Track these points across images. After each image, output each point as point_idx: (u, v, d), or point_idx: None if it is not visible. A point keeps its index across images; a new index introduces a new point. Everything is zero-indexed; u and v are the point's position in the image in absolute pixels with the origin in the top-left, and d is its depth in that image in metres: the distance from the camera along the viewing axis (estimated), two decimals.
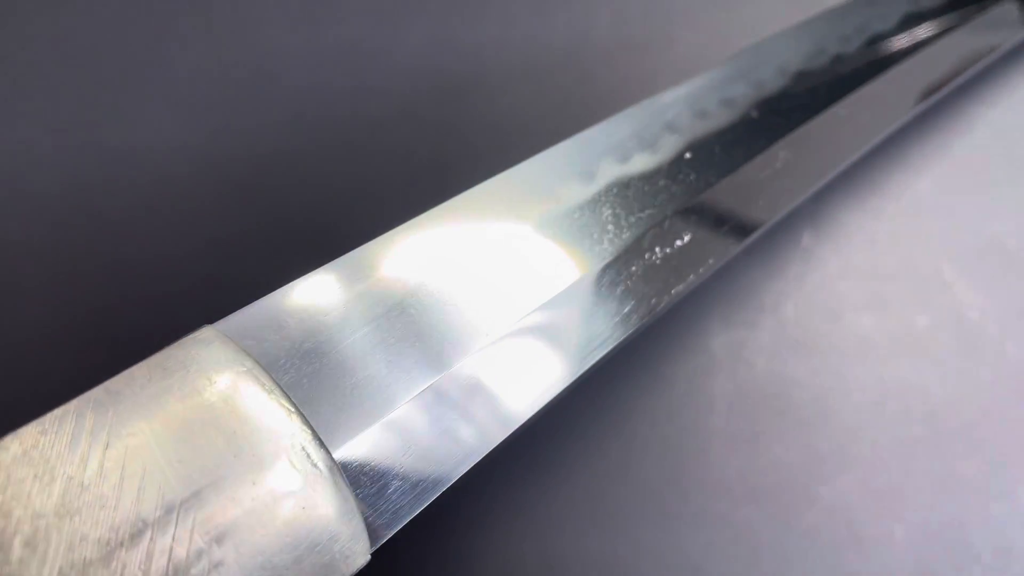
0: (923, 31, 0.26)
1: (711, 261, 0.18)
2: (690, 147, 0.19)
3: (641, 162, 0.19)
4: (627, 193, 0.18)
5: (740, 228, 0.19)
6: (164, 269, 0.26)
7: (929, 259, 0.30)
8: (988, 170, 0.32)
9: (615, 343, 0.17)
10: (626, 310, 0.17)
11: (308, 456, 0.11)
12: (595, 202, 0.18)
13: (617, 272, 0.17)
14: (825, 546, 0.25)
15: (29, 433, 0.10)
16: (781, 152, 0.20)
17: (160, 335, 0.25)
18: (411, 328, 0.14)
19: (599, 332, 0.16)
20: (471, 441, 0.14)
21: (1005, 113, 0.33)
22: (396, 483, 0.13)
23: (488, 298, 0.15)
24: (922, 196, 0.31)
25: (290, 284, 0.15)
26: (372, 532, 0.12)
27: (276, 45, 0.31)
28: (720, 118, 0.20)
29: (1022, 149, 0.32)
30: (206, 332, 0.13)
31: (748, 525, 0.25)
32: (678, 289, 0.17)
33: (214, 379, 0.12)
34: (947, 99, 0.32)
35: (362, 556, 0.12)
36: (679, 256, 0.17)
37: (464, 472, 0.14)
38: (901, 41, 0.25)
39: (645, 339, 0.29)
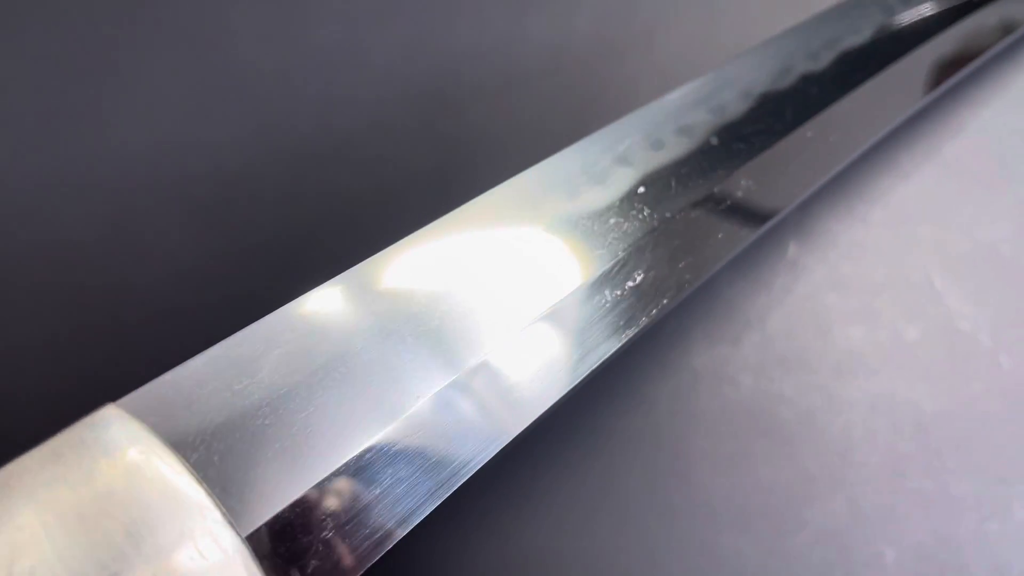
0: (902, 36, 0.25)
1: (665, 301, 0.17)
2: (643, 181, 0.18)
3: (590, 199, 0.18)
4: (574, 232, 0.17)
5: (697, 265, 0.18)
6: (124, 296, 0.26)
7: (919, 268, 0.29)
8: (980, 174, 0.31)
9: (567, 391, 0.16)
10: (572, 362, 0.16)
11: (216, 541, 0.11)
12: (538, 246, 0.17)
13: (561, 323, 0.16)
14: (814, 571, 0.24)
15: None
16: (742, 180, 0.19)
17: (122, 370, 0.24)
18: (332, 395, 0.13)
19: (550, 381, 0.15)
20: (400, 514, 0.13)
21: (996, 115, 0.32)
22: (315, 563, 0.12)
23: (426, 358, 0.15)
24: (911, 202, 0.30)
25: (204, 352, 0.14)
26: None
27: (243, 54, 0.30)
28: (677, 148, 0.19)
29: (1014, 151, 0.31)
30: (108, 411, 0.12)
31: (734, 550, 0.24)
32: (628, 333, 0.16)
33: (114, 463, 0.11)
34: (936, 102, 0.31)
35: None
36: (632, 297, 0.17)
37: (391, 546, 0.13)
38: (876, 53, 0.24)
39: (625, 359, 0.28)
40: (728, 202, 0.19)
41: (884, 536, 0.25)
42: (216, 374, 0.13)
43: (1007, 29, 0.30)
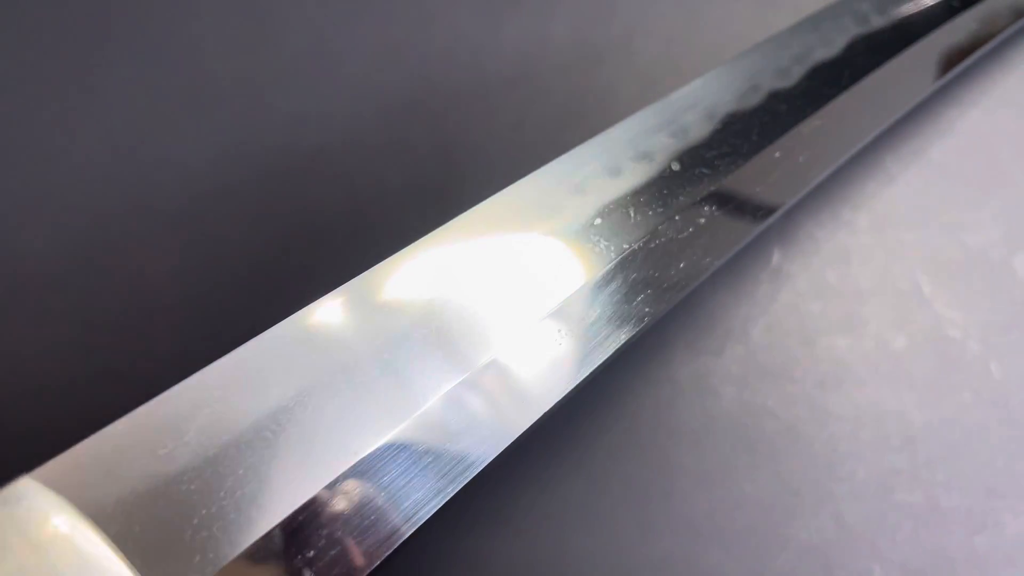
0: (880, 44, 0.24)
1: (624, 337, 0.16)
2: (600, 211, 0.17)
3: (545, 231, 0.17)
4: (522, 272, 0.16)
5: (657, 298, 0.17)
6: (90, 318, 0.25)
7: (907, 274, 0.28)
8: (968, 176, 0.30)
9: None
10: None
11: None
12: (477, 291, 0.16)
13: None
14: None
15: None
16: (704, 207, 0.19)
17: (88, 395, 0.24)
18: (264, 455, 0.13)
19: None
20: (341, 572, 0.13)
21: (985, 115, 0.32)
22: None
23: (365, 413, 0.14)
24: (898, 206, 0.30)
25: (127, 415, 0.13)
26: None
27: (209, 68, 0.30)
28: (636, 175, 0.19)
29: (1005, 152, 0.31)
30: (22, 483, 0.11)
31: (717, 568, 0.24)
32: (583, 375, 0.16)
33: (29, 539, 0.10)
34: (922, 102, 0.30)
35: None
36: (587, 333, 0.16)
37: None
38: (850, 64, 0.23)
39: (606, 372, 0.27)
40: (691, 230, 0.18)
41: (871, 552, 0.24)
42: (139, 438, 0.12)
43: (994, 29, 0.29)
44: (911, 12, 0.25)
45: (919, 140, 0.31)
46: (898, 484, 0.26)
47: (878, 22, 0.24)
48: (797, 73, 0.22)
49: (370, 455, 0.14)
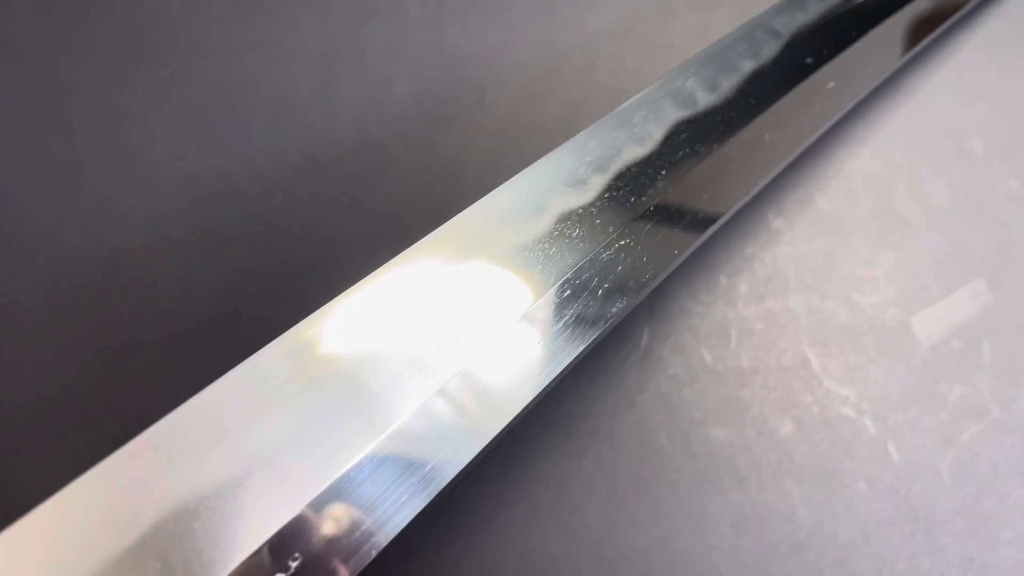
0: (707, 128, 0.20)
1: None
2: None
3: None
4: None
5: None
6: None
7: (792, 347, 0.25)
8: (861, 225, 0.27)
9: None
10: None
11: None
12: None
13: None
14: None
15: None
16: (453, 384, 0.16)
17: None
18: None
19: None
20: None
21: (877, 152, 0.28)
22: None
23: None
24: (782, 268, 0.26)
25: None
26: None
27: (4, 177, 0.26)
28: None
29: (900, 193, 0.27)
30: None
31: None
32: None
33: None
34: (810, 145, 0.27)
35: None
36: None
37: None
38: (667, 162, 0.19)
39: (459, 492, 0.24)
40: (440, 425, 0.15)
41: None
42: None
43: (869, 79, 0.25)
44: (751, 78, 0.21)
45: (804, 188, 0.27)
46: None
47: (708, 100, 0.20)
48: (596, 184, 0.18)
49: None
